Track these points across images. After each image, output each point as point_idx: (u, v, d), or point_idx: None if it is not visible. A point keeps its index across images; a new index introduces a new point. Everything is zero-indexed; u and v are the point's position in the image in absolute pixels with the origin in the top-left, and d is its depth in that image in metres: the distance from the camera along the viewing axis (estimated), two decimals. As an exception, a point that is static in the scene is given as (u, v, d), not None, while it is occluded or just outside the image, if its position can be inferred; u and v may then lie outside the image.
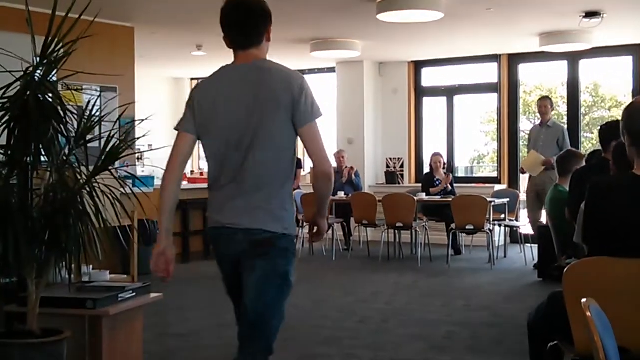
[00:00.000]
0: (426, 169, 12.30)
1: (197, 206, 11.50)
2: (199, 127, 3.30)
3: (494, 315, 6.90)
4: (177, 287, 8.27)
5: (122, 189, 4.16)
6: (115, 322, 4.48)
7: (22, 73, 3.92)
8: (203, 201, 12.53)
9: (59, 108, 3.93)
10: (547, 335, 3.51)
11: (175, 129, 3.36)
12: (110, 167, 4.15)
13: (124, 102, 5.60)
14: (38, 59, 3.96)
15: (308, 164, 14.50)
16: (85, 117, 4.11)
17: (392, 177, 13.21)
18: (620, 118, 3.26)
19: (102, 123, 4.23)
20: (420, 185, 11.47)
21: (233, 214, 3.21)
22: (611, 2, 8.74)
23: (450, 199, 10.05)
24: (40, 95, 3.89)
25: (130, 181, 4.49)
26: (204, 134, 3.30)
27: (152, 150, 6.77)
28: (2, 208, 3.81)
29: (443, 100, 13.26)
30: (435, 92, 13.40)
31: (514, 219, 10.73)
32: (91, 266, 5.17)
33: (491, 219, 9.83)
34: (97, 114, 4.20)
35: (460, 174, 13.63)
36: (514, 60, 12.47)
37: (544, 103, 10.07)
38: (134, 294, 4.68)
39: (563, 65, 12.17)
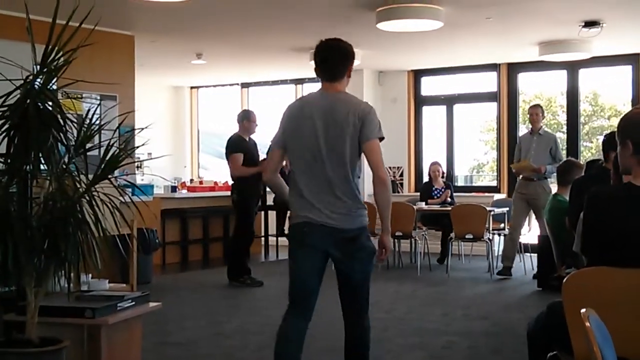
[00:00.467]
0: (426, 178, 12.30)
1: (196, 215, 11.51)
2: (287, 142, 4.20)
3: (493, 324, 6.89)
4: (176, 296, 8.26)
5: (121, 198, 4.15)
6: (114, 331, 4.47)
7: (22, 81, 3.92)
8: (202, 210, 12.59)
9: (59, 116, 3.93)
10: (547, 345, 3.51)
11: (271, 144, 4.36)
12: (109, 176, 4.15)
13: (124, 111, 5.60)
14: (38, 67, 3.95)
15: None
16: (85, 126, 4.11)
17: (391, 186, 13.21)
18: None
19: (102, 131, 4.23)
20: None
21: (319, 214, 4.10)
22: (610, 12, 8.76)
23: (450, 208, 10.05)
24: (40, 104, 3.89)
25: (130, 190, 4.49)
26: (291, 148, 4.19)
27: (151, 158, 6.78)
28: (1, 216, 3.80)
29: (442, 109, 13.28)
30: (434, 101, 13.41)
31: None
32: (90, 275, 5.16)
33: (491, 228, 9.83)
34: (97, 122, 4.20)
35: (460, 182, 13.63)
36: (514, 69, 12.49)
37: (535, 111, 9.88)
38: (133, 303, 4.66)
39: (562, 74, 12.20)
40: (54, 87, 4.09)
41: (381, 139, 4.13)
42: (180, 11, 8.42)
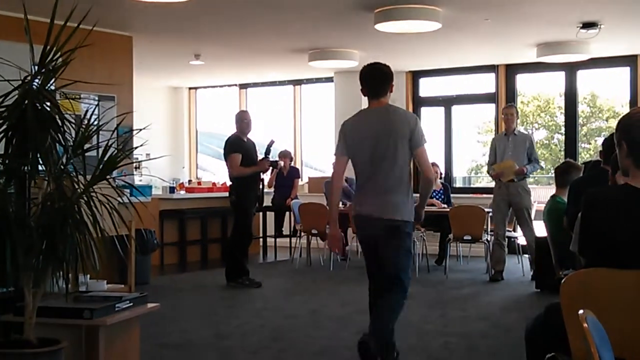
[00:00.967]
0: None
1: (195, 215, 11.51)
2: (348, 151, 5.15)
3: (491, 325, 6.89)
4: (174, 297, 8.26)
5: (119, 199, 4.15)
6: (112, 332, 4.47)
7: (20, 82, 3.92)
8: (200, 211, 12.59)
9: (57, 117, 3.93)
10: (545, 346, 3.51)
11: (335, 154, 5.29)
12: (107, 177, 4.14)
13: (122, 111, 5.62)
14: (36, 67, 3.95)
15: (306, 174, 14.53)
16: (83, 126, 4.10)
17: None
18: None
19: (100, 132, 4.22)
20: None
21: (374, 208, 5.02)
22: (609, 13, 8.77)
23: (448, 210, 10.05)
24: (38, 104, 3.89)
25: (128, 190, 4.48)
26: (353, 155, 5.15)
27: (150, 159, 6.77)
28: (0, 217, 3.80)
29: (441, 110, 13.28)
30: (433, 102, 13.42)
31: (511, 229, 10.70)
32: (88, 276, 5.16)
33: (489, 230, 9.82)
34: (95, 123, 4.20)
35: (458, 184, 13.64)
36: (512, 70, 12.50)
37: (510, 111, 9.75)
38: (131, 303, 4.66)
39: (560, 75, 12.21)
40: (52, 87, 4.09)
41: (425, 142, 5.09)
42: (178, 12, 8.43)
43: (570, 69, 11.83)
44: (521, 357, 3.95)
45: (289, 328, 6.78)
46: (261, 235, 12.20)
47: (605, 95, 19.90)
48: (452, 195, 11.26)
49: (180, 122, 16.11)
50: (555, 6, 8.44)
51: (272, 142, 9.25)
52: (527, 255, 9.82)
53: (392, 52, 11.35)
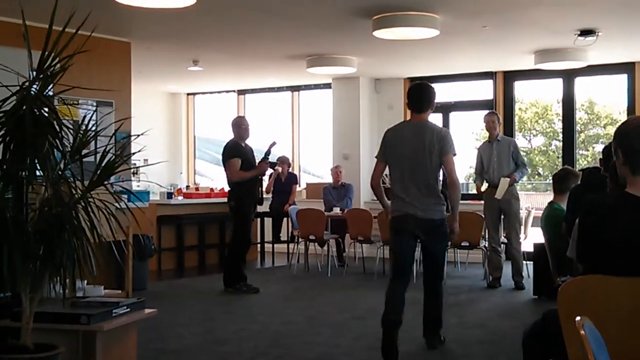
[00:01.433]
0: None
1: (192, 221, 11.50)
2: (388, 158, 5.90)
3: (488, 332, 6.88)
4: (171, 303, 8.25)
5: (117, 204, 4.15)
6: (109, 337, 4.47)
7: (19, 87, 3.92)
8: (198, 216, 12.56)
9: (55, 122, 3.93)
10: (542, 353, 3.51)
11: (376, 157, 6.02)
12: (105, 182, 4.15)
13: (120, 117, 5.60)
14: (34, 73, 3.96)
15: (304, 180, 14.53)
16: (81, 132, 4.11)
17: (387, 193, 13.19)
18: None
19: (98, 138, 4.23)
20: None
21: (414, 209, 5.77)
22: (606, 21, 8.79)
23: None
24: (36, 110, 3.89)
25: (126, 196, 4.48)
26: (391, 162, 5.91)
27: (147, 165, 6.77)
28: (-3, 222, 3.80)
29: (439, 116, 13.27)
30: (430, 108, 13.40)
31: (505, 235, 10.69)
32: (85, 281, 5.15)
33: (486, 236, 9.81)
34: (93, 128, 4.20)
35: (456, 190, 13.61)
36: (510, 77, 12.51)
37: (492, 118, 9.73)
38: (128, 309, 4.66)
39: (558, 82, 12.22)
40: (50, 93, 4.10)
41: (454, 154, 5.92)
42: (176, 18, 8.43)
43: (568, 76, 11.85)
44: (518, 363, 3.95)
45: (286, 334, 6.77)
46: (259, 241, 12.19)
47: (603, 102, 19.94)
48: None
49: (178, 127, 16.11)
50: (553, 13, 8.46)
51: (273, 144, 9.25)
52: (525, 262, 9.79)
53: (390, 58, 11.37)
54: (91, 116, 4.30)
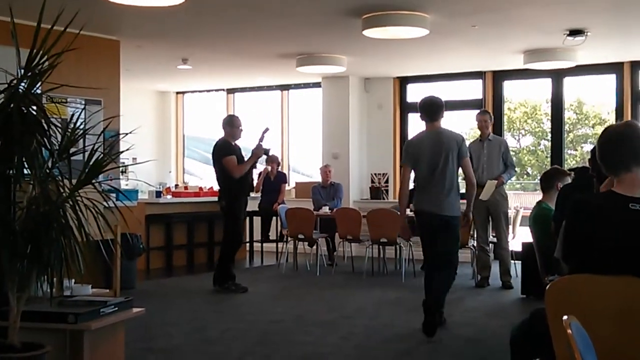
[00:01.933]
0: (411, 185, 12.29)
1: (181, 220, 11.48)
2: (413, 163, 6.75)
3: (476, 331, 6.90)
4: (160, 302, 8.23)
5: (105, 203, 4.14)
6: (96, 336, 4.45)
7: (6, 85, 3.90)
8: (187, 215, 12.54)
9: (43, 121, 3.91)
10: (529, 351, 3.52)
11: (401, 164, 7.05)
12: (93, 181, 4.13)
13: (109, 115, 5.60)
14: (22, 71, 3.94)
15: (293, 179, 14.53)
16: (69, 130, 4.09)
17: (376, 192, 13.22)
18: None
19: (86, 136, 4.21)
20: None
21: (434, 206, 6.63)
22: (595, 21, 8.82)
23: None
24: (24, 108, 3.87)
25: (114, 195, 4.47)
26: (415, 167, 6.76)
27: (136, 163, 6.75)
28: (-16, 221, 3.78)
29: (427, 116, 13.29)
30: (420, 108, 13.41)
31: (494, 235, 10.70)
32: (73, 280, 5.12)
33: (475, 235, 9.83)
34: (81, 126, 4.18)
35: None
36: (499, 77, 12.54)
37: (484, 117, 9.79)
38: (116, 308, 4.64)
39: (547, 82, 12.26)
40: (39, 91, 4.07)
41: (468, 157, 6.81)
42: (166, 16, 8.42)
43: (557, 75, 11.89)
44: (506, 362, 3.96)
45: (274, 333, 6.77)
46: (248, 240, 12.19)
47: (592, 102, 20.00)
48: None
49: (168, 126, 16.08)
50: (542, 13, 8.49)
51: (266, 130, 9.22)
52: (513, 261, 9.82)
53: (380, 58, 11.38)
54: (79, 114, 4.27)
